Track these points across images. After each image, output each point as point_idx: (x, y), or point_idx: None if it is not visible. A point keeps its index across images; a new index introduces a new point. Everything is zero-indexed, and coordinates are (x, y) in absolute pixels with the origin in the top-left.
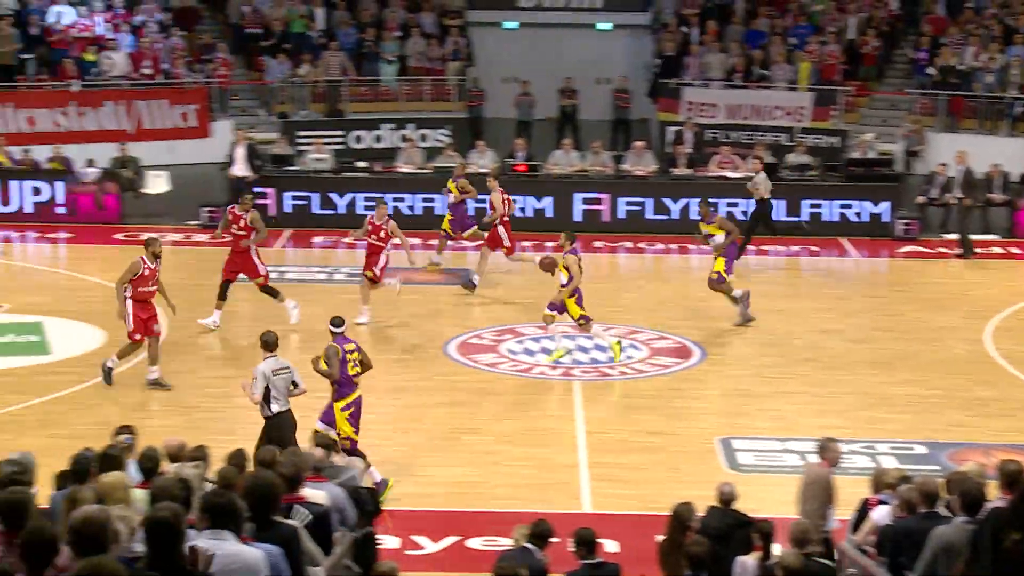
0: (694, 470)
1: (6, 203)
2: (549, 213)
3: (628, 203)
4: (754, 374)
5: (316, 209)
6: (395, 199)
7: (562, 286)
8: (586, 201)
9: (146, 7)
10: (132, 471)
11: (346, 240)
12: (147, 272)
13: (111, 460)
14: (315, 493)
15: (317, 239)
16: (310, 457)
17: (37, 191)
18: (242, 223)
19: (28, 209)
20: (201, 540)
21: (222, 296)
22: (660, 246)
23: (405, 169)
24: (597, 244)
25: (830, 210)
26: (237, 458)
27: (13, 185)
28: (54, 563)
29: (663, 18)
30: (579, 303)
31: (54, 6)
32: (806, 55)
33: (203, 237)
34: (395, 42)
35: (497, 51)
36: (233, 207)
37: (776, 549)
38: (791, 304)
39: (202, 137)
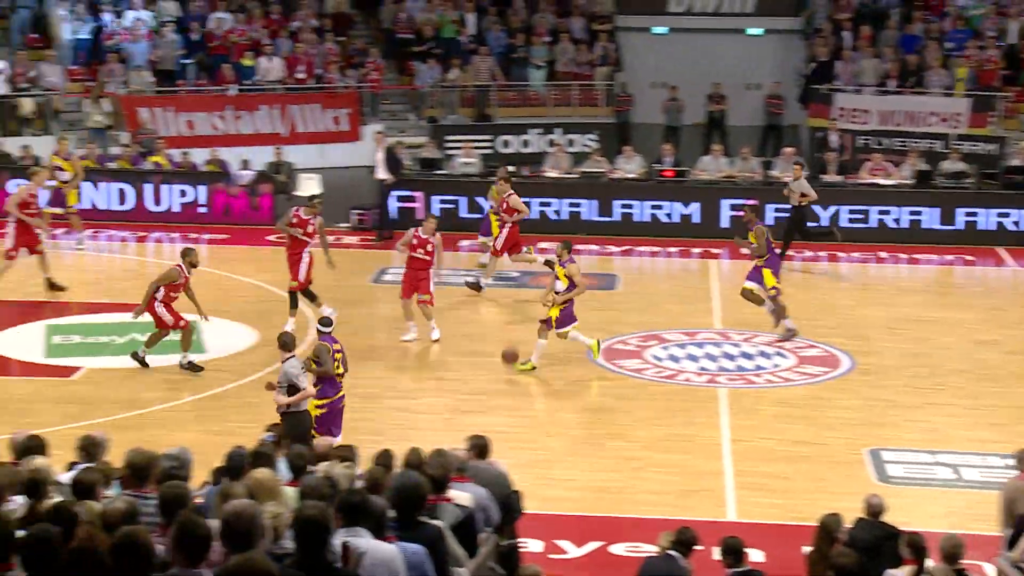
0: (841, 481)
1: (157, 203)
2: (696, 219)
3: (776, 209)
4: (904, 384)
5: (463, 213)
6: (541, 204)
7: (556, 292)
8: (734, 207)
9: (302, 13)
10: (283, 469)
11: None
12: (182, 280)
13: (262, 457)
14: (460, 494)
15: (464, 243)
16: (455, 458)
17: (183, 193)
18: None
19: (176, 209)
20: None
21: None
22: (809, 253)
23: (552, 174)
24: (744, 251)
25: (987, 219)
26: (384, 458)
27: (164, 188)
28: (207, 557)
29: (815, 23)
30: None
31: (214, 12)
32: (963, 60)
33: (352, 239)
34: (544, 47)
35: (646, 56)
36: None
37: (928, 563)
38: (944, 314)
39: (353, 141)
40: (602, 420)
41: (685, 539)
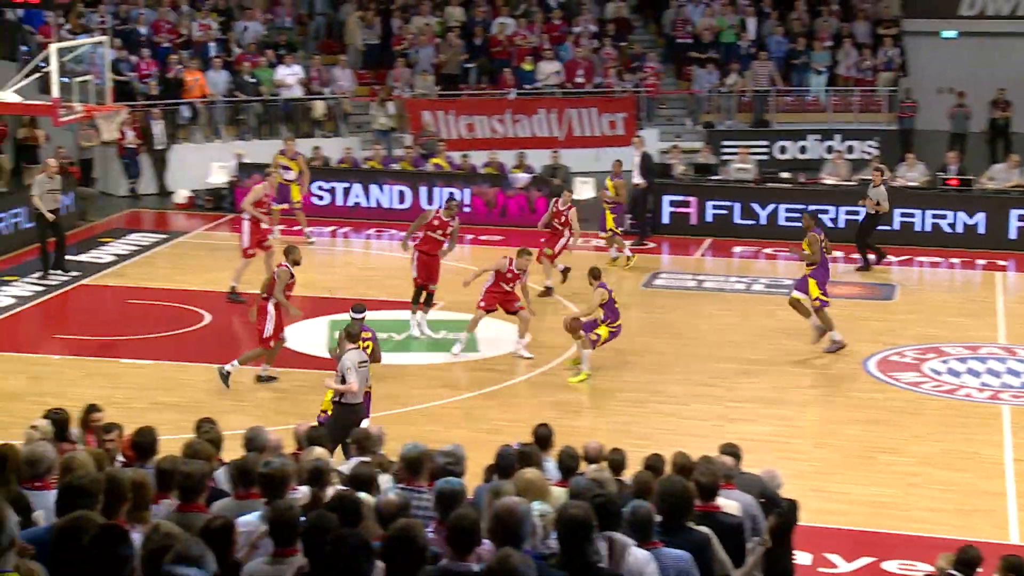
0: None
1: (431, 201)
2: (981, 230)
3: None
4: None
5: (737, 219)
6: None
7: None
8: (1022, 218)
9: (583, 18)
10: (551, 469)
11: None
12: (292, 280)
13: (527, 458)
14: (729, 503)
15: (737, 249)
16: (723, 465)
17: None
18: (447, 229)
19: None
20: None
21: None
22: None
23: (829, 181)
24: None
25: None
26: (653, 463)
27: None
28: (477, 552)
29: None
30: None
31: (498, 18)
32: None
33: (626, 243)
34: (826, 52)
35: (932, 61)
36: (439, 211)
37: None
38: None
39: (628, 145)
40: (876, 433)
41: (968, 559)
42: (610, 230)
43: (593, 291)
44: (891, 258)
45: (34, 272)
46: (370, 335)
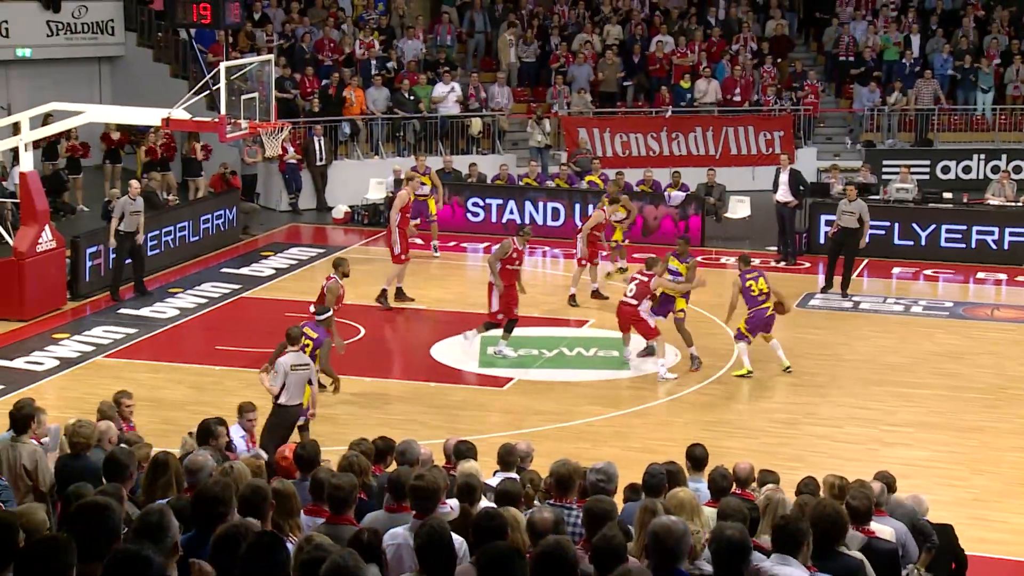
0: None
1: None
2: None
3: None
4: None
5: (897, 240)
6: (980, 232)
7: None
8: None
9: (742, 36)
10: (702, 489)
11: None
12: (342, 292)
13: (675, 476)
14: (883, 528)
15: (896, 270)
16: (871, 491)
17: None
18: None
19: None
20: (766, 563)
21: None
22: None
23: (994, 202)
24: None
25: None
26: (807, 486)
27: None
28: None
29: None
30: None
31: (657, 36)
32: None
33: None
34: (993, 70)
35: None
36: (515, 245)
37: None
38: None
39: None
40: None
41: None
42: (615, 241)
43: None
44: None
45: (194, 284)
46: (316, 337)
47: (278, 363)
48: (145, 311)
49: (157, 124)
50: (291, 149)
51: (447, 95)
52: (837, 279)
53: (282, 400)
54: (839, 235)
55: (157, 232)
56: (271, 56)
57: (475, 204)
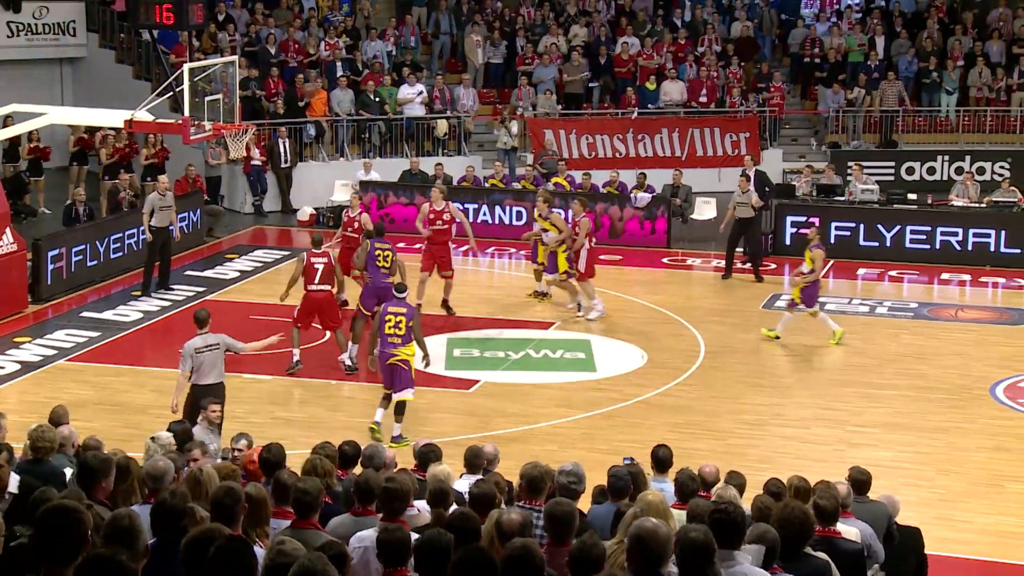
0: None
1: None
2: None
3: None
4: None
5: (862, 241)
6: (944, 233)
7: (801, 273)
8: None
9: (707, 37)
10: (669, 491)
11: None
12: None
13: (637, 477)
14: (849, 528)
15: (861, 271)
16: (838, 492)
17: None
18: (445, 216)
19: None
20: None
21: None
22: None
23: (958, 203)
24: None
25: None
26: (774, 487)
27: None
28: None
29: None
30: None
31: (623, 37)
32: None
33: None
34: (957, 71)
35: None
36: (431, 204)
37: None
38: None
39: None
40: (1003, 460)
41: None
42: (565, 272)
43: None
44: (1021, 281)
45: (153, 289)
46: (405, 311)
47: (184, 346)
48: (108, 314)
49: (120, 126)
50: (256, 151)
51: (413, 97)
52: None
53: (193, 380)
54: (737, 225)
55: (120, 235)
56: (235, 57)
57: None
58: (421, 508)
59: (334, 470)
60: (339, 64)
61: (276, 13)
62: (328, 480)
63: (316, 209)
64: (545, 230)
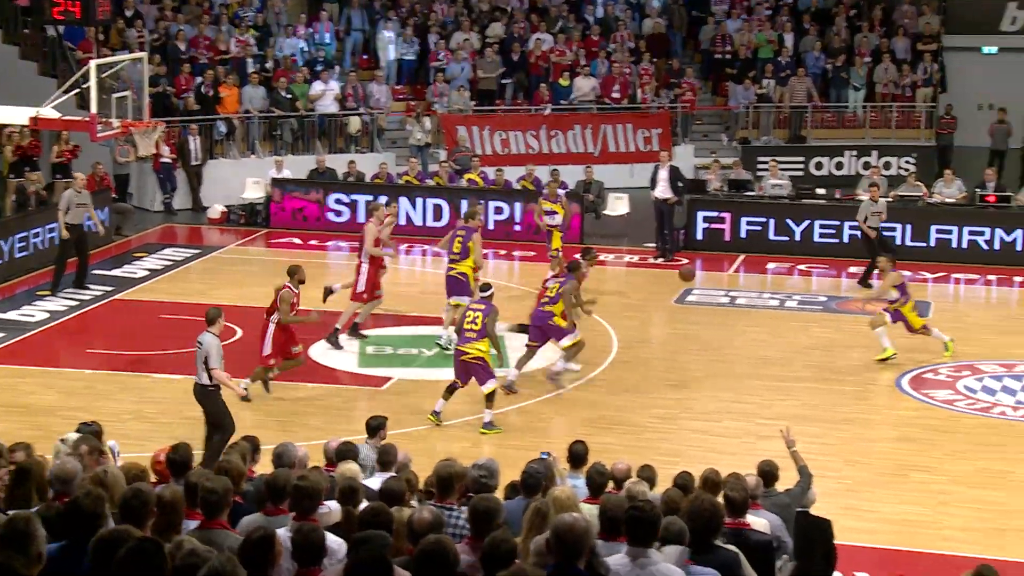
0: None
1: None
2: (1019, 247)
3: None
4: None
5: (772, 235)
6: (851, 228)
7: (890, 302)
8: None
9: (619, 34)
10: (580, 486)
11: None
12: (295, 300)
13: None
14: (758, 520)
15: (771, 265)
16: (747, 483)
17: (499, 210)
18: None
19: (490, 227)
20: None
21: None
22: None
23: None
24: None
25: None
26: (683, 480)
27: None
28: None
29: None
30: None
31: (536, 33)
32: None
33: (659, 260)
34: (864, 68)
35: (973, 77)
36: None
37: None
38: None
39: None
40: (908, 451)
41: None
42: (557, 249)
43: (887, 274)
44: (926, 275)
45: (65, 286)
46: (483, 308)
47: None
48: (13, 314)
49: (25, 123)
50: (165, 148)
51: (325, 93)
52: None
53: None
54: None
55: (26, 234)
56: (143, 54)
57: (338, 202)
58: (332, 506)
59: (245, 471)
60: (250, 60)
61: (185, 9)
62: (239, 482)
63: (227, 207)
64: (553, 212)
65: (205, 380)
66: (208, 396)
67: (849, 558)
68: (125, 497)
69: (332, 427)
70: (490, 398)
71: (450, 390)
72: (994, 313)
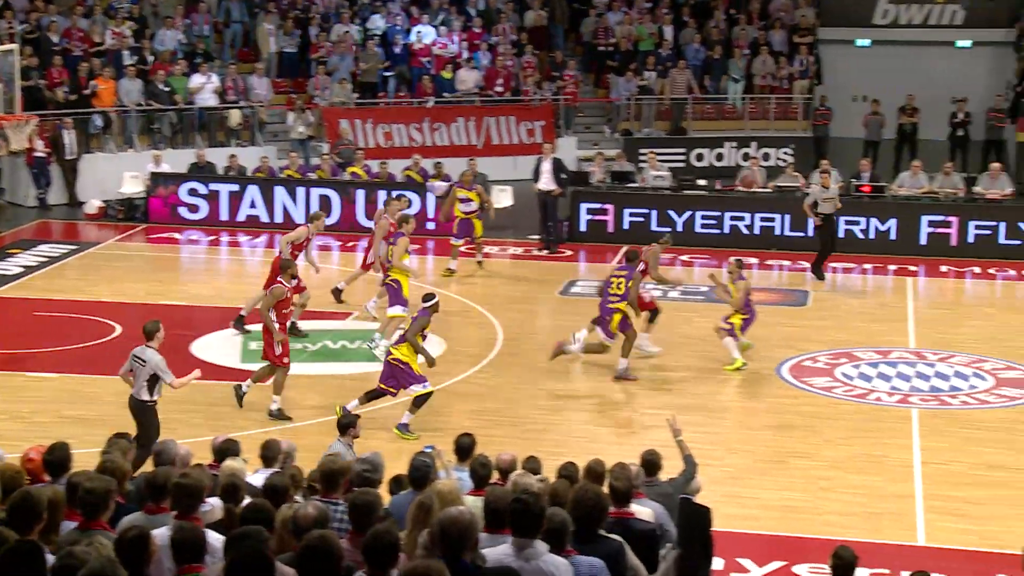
0: None
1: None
2: (893, 236)
3: (978, 227)
4: None
5: (654, 226)
6: (733, 218)
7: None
8: (932, 224)
9: (501, 27)
10: (465, 478)
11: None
12: (289, 294)
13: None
14: (642, 509)
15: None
16: (631, 472)
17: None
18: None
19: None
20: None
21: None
22: (1012, 272)
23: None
24: (943, 268)
25: None
26: (567, 470)
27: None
28: (396, 564)
29: None
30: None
31: (417, 26)
32: None
33: (543, 252)
34: (743, 60)
35: (847, 69)
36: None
37: None
38: None
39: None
40: (788, 438)
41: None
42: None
43: (735, 283)
44: (804, 263)
45: None
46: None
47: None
48: None
49: None
50: (39, 142)
51: (204, 86)
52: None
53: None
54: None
55: None
56: (14, 46)
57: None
58: (214, 504)
59: (128, 471)
60: (126, 53)
61: (58, 0)
62: (122, 482)
63: (105, 202)
64: (468, 199)
65: (145, 396)
66: (147, 411)
67: (732, 544)
68: (14, 501)
69: (214, 424)
70: (416, 402)
71: (369, 394)
72: (870, 301)
